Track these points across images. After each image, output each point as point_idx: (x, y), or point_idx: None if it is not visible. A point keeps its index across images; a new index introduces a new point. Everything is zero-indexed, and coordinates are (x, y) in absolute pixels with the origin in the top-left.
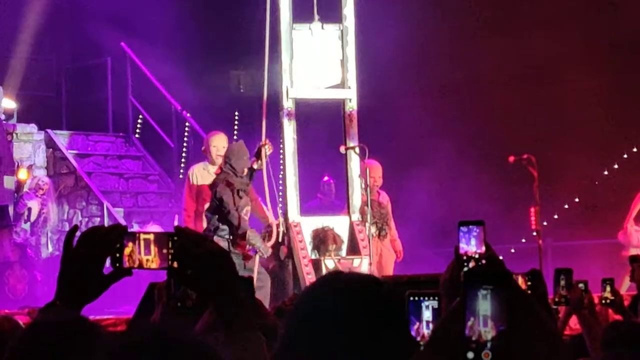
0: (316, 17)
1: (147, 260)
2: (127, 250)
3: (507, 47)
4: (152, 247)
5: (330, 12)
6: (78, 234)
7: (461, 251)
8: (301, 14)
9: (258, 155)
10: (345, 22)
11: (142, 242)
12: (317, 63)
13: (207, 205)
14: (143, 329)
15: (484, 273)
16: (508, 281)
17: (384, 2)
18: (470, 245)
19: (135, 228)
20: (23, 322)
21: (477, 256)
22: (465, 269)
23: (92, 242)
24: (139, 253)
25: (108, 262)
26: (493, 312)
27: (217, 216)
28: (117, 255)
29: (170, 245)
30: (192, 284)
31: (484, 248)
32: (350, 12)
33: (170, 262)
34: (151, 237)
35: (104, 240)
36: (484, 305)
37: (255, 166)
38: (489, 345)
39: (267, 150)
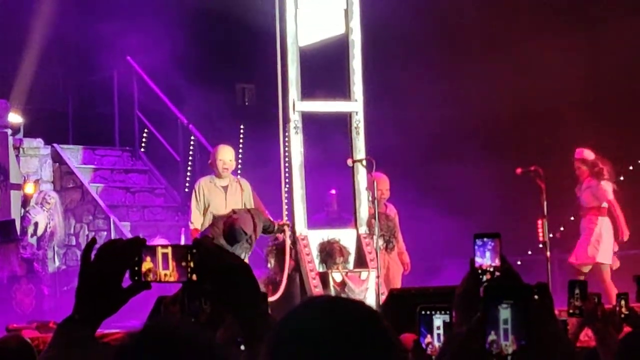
0: None
1: (166, 274)
2: (145, 265)
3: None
4: (170, 261)
5: None
6: (96, 247)
7: (476, 264)
8: None
9: (280, 230)
10: (352, 36)
11: (160, 256)
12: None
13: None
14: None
15: (505, 288)
16: (528, 296)
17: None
18: (486, 258)
19: None
20: (30, 337)
21: (492, 269)
22: (484, 281)
23: (110, 255)
24: (157, 267)
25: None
26: (514, 326)
27: None
28: (136, 268)
29: (189, 258)
30: (213, 298)
31: (499, 261)
32: None
33: (189, 276)
34: (169, 250)
35: (123, 253)
36: (505, 319)
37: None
38: (509, 359)
39: (287, 229)
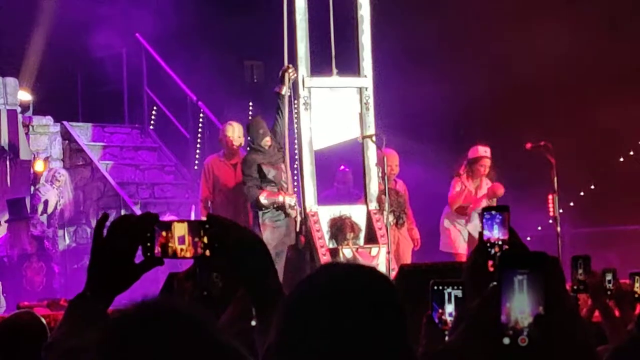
0: None
1: (182, 249)
2: (161, 240)
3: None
4: (186, 236)
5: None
6: (108, 223)
7: (485, 237)
8: None
9: (282, 80)
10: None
11: (175, 231)
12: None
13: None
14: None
15: (521, 256)
16: (544, 264)
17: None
18: (494, 232)
19: None
20: (41, 315)
21: (500, 242)
22: (492, 254)
23: (122, 231)
24: (173, 242)
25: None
26: (529, 297)
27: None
28: (148, 244)
29: (202, 233)
30: (226, 272)
31: (507, 234)
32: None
33: (202, 251)
34: (185, 225)
35: (135, 229)
36: (521, 290)
37: (283, 92)
38: (525, 331)
39: (290, 74)
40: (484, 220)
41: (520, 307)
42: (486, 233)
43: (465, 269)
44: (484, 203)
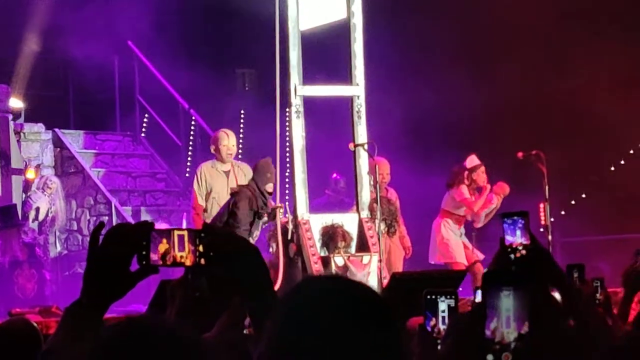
0: None
1: (182, 256)
2: (161, 247)
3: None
4: (187, 243)
5: None
6: (104, 231)
7: (507, 242)
8: None
9: (271, 217)
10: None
11: (176, 239)
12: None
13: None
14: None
15: (505, 274)
16: (529, 283)
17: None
18: (516, 237)
19: None
20: (34, 321)
21: (521, 247)
22: (513, 260)
23: (118, 239)
24: (173, 249)
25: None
26: (515, 312)
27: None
28: (144, 252)
29: (198, 242)
30: (221, 281)
31: (529, 239)
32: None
33: (198, 260)
34: (185, 233)
35: (131, 237)
36: (506, 305)
37: (265, 219)
38: (510, 347)
39: (280, 213)
40: (505, 226)
41: (506, 323)
42: (508, 238)
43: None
44: (495, 200)
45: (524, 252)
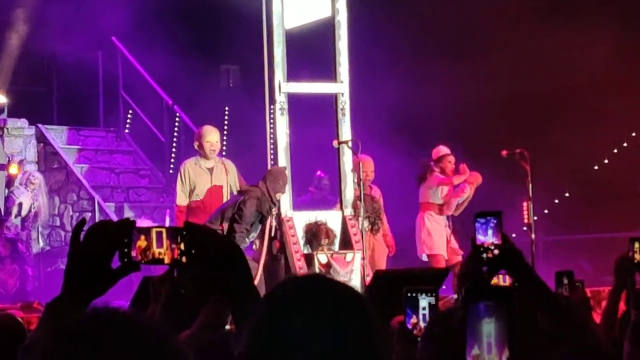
0: None
1: (160, 253)
2: (139, 244)
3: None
4: (165, 240)
5: None
6: (85, 227)
7: (478, 242)
8: None
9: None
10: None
11: (154, 235)
12: None
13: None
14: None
15: (485, 289)
16: (510, 297)
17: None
18: (488, 236)
19: None
20: (19, 317)
21: (493, 247)
22: (485, 259)
23: (100, 236)
24: (151, 245)
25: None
26: (496, 335)
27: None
28: (126, 250)
29: (179, 240)
30: (203, 280)
31: (500, 239)
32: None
33: (179, 258)
34: (163, 230)
35: (113, 234)
36: (487, 328)
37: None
38: None
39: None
40: (477, 225)
41: (488, 347)
42: (480, 237)
43: (459, 275)
44: (467, 190)
45: (496, 251)
